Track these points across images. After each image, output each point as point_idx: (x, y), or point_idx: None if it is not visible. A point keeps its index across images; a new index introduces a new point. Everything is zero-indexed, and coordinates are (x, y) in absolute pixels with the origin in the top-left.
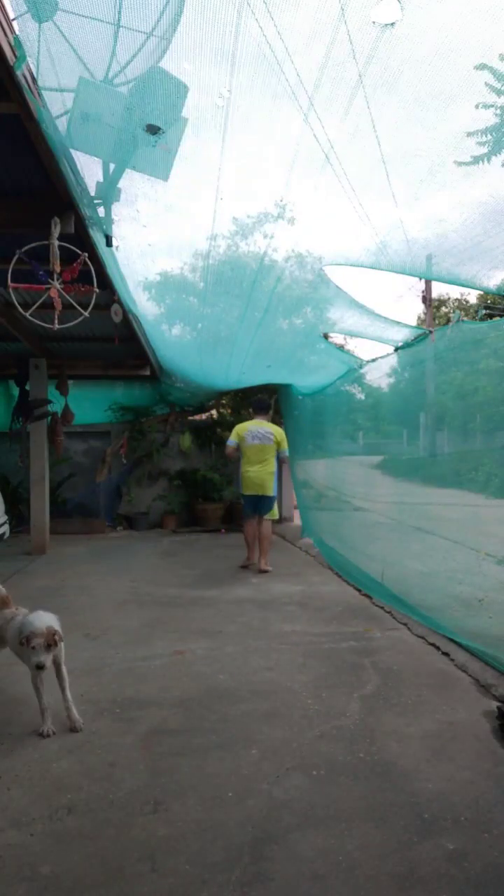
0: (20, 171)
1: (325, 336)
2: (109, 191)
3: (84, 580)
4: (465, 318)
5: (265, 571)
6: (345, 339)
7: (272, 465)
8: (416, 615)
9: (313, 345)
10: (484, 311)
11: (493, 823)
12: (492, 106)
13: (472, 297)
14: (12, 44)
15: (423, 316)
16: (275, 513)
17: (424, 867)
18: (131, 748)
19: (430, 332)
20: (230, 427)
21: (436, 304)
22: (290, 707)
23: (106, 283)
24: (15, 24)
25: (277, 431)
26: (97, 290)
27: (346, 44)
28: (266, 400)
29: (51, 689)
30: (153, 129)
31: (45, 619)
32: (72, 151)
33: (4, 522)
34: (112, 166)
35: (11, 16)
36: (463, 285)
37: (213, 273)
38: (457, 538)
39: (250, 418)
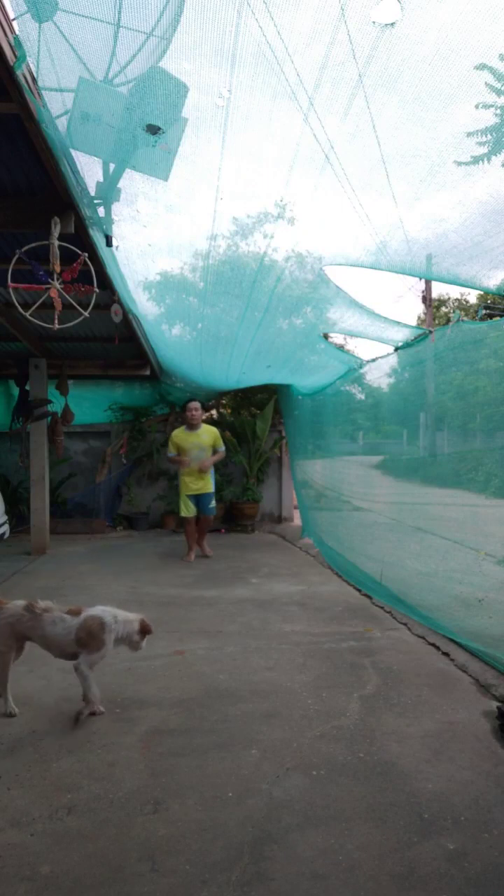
0: (20, 171)
1: (325, 336)
2: (109, 191)
3: (84, 580)
4: (465, 318)
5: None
6: (345, 339)
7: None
8: (416, 615)
9: (313, 345)
10: (484, 311)
11: (493, 823)
12: (492, 106)
13: (472, 297)
14: (12, 44)
15: (423, 316)
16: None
17: (424, 867)
18: (131, 748)
19: (430, 332)
20: (230, 427)
21: (436, 304)
22: (290, 707)
23: (106, 283)
24: (15, 24)
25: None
26: (97, 290)
27: (346, 44)
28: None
29: (48, 686)
30: (153, 129)
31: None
32: (72, 151)
33: (4, 522)
34: (112, 166)
35: (11, 16)
36: (463, 285)
37: (213, 273)
38: (457, 538)
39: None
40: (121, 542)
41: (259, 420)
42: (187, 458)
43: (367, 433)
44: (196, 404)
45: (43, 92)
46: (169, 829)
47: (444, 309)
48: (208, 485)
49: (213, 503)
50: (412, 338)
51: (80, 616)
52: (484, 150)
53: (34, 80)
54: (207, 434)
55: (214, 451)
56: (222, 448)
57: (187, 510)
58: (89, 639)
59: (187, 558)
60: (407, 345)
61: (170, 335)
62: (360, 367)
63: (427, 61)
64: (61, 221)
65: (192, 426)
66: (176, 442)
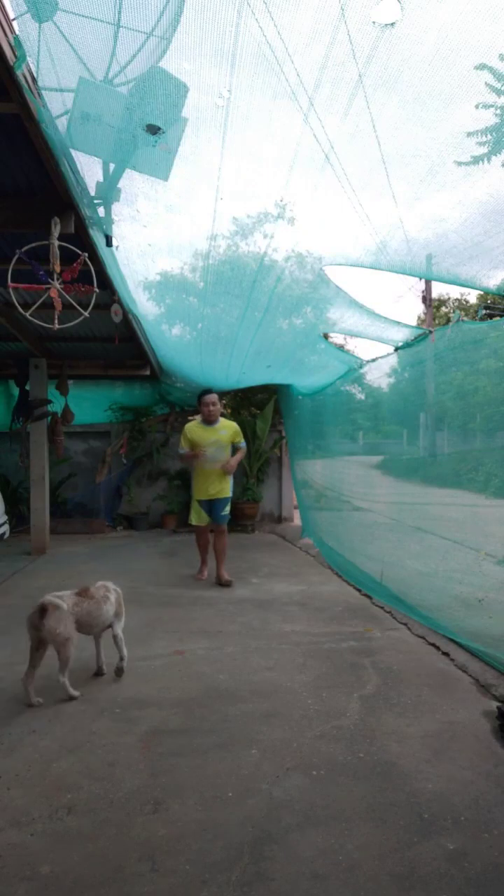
0: (20, 171)
1: (325, 336)
2: (109, 191)
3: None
4: (465, 318)
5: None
6: (345, 339)
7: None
8: (416, 615)
9: (313, 345)
10: (484, 311)
11: (493, 823)
12: (492, 106)
13: (472, 297)
14: (12, 44)
15: (423, 316)
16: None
17: (424, 867)
18: (131, 748)
19: (430, 332)
20: None
21: (436, 304)
22: (290, 707)
23: (106, 283)
24: (15, 24)
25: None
26: (97, 290)
27: (346, 44)
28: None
29: (48, 686)
30: (153, 129)
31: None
32: (72, 151)
33: (4, 522)
34: (112, 166)
35: (11, 16)
36: (463, 285)
37: (213, 273)
38: (457, 538)
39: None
40: (121, 542)
41: (259, 420)
42: (201, 451)
43: (367, 433)
44: (213, 397)
45: (43, 92)
46: (169, 829)
47: (444, 309)
48: (226, 488)
49: (228, 509)
50: (412, 338)
51: (112, 590)
52: (484, 150)
53: (34, 80)
54: (227, 430)
55: (234, 450)
56: (243, 444)
57: (199, 517)
58: (120, 607)
59: (199, 576)
60: (407, 345)
61: (170, 335)
62: (360, 367)
63: (427, 61)
64: (61, 221)
65: (208, 422)
66: (190, 438)
